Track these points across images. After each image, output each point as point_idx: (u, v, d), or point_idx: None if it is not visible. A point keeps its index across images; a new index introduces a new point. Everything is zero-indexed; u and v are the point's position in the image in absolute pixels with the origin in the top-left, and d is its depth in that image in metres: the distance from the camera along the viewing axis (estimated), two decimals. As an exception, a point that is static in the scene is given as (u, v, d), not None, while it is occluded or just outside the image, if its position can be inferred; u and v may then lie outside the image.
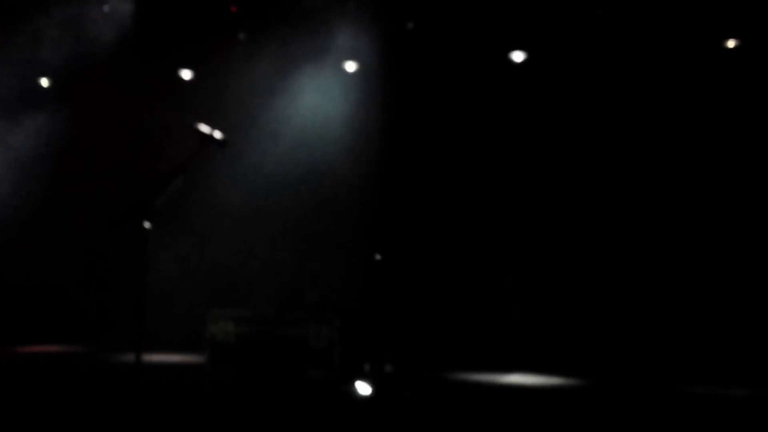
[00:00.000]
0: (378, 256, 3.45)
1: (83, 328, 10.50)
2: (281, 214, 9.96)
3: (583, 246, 9.45)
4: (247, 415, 6.06)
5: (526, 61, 9.61)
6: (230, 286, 9.69)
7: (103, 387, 7.30)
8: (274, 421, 5.90)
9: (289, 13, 9.50)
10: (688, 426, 6.14)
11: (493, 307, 9.57)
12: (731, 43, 8.81)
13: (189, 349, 8.64)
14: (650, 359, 8.68)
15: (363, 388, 6.23)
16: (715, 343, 8.53)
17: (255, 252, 10.00)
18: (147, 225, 3.57)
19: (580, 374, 8.43)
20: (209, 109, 9.16)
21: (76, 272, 10.59)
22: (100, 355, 9.64)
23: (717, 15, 8.57)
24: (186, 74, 10.28)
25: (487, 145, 9.81)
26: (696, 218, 9.02)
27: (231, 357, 7.08)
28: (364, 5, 9.41)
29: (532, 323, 9.37)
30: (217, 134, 4.08)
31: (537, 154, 9.71)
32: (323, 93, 9.66)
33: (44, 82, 10.47)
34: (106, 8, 9.37)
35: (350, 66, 9.87)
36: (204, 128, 4.06)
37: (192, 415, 5.96)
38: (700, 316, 8.75)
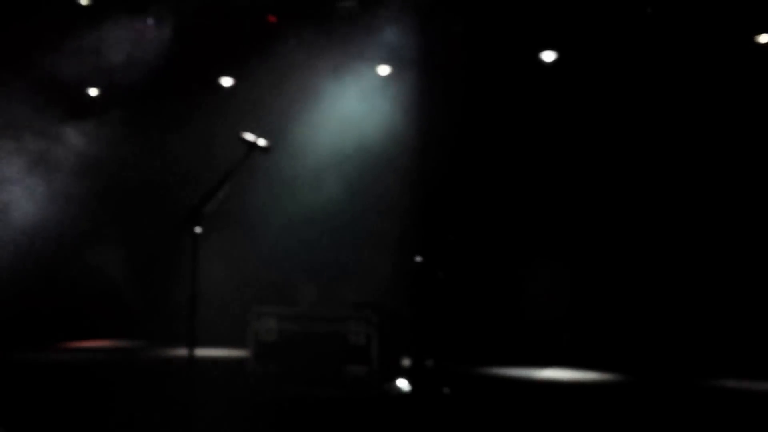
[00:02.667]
0: (418, 258, 3.61)
1: (141, 325, 11.06)
2: (323, 216, 10.19)
3: (614, 243, 9.52)
4: (289, 410, 6.31)
5: (557, 61, 9.71)
6: (274, 285, 9.98)
7: (154, 378, 7.69)
8: (314, 416, 6.13)
9: (326, 20, 9.70)
10: (720, 420, 6.19)
11: (529, 304, 9.68)
12: (765, 38, 8.77)
13: (235, 345, 8.99)
14: (683, 353, 8.72)
15: (402, 384, 6.36)
16: (746, 337, 8.55)
17: (298, 252, 10.27)
18: (198, 230, 3.82)
19: (615, 369, 8.51)
20: (250, 116, 9.47)
21: (135, 274, 11.14)
22: (154, 350, 10.12)
23: (748, 11, 8.56)
24: (226, 82, 10.60)
25: (523, 146, 9.93)
26: (725, 215, 9.04)
27: (273, 352, 7.28)
28: (398, 10, 9.56)
29: (566, 319, 9.48)
30: (262, 141, 4.26)
31: (570, 154, 9.80)
32: (360, 97, 9.83)
33: (93, 92, 10.91)
34: (149, 20, 9.71)
35: (384, 70, 10.05)
36: (249, 136, 4.25)
37: (236, 408, 6.22)
38: (729, 311, 8.77)
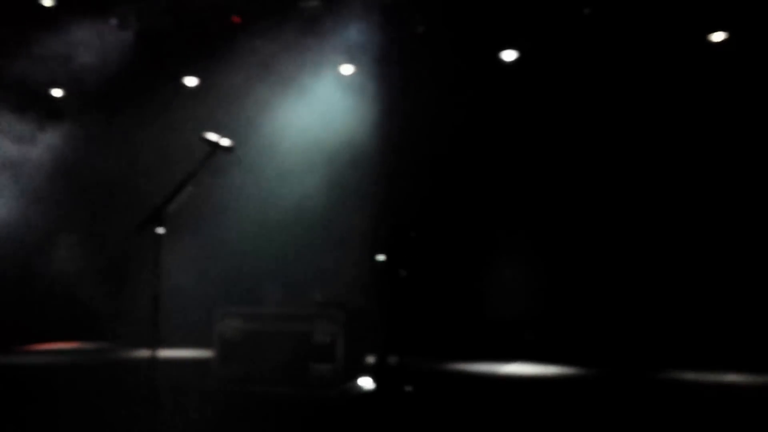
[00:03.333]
0: (381, 257, 3.65)
1: (106, 327, 10.97)
2: (287, 215, 10.20)
3: (576, 241, 9.73)
4: (253, 409, 6.32)
5: (517, 60, 9.87)
6: (238, 285, 9.98)
7: (117, 380, 7.63)
8: (278, 414, 6.15)
9: (290, 20, 9.71)
10: (682, 411, 6.37)
11: (493, 300, 9.83)
12: (717, 37, 9.04)
13: (200, 345, 8.97)
14: (644, 347, 8.95)
15: (366, 383, 6.39)
16: (704, 331, 8.81)
17: (263, 252, 10.27)
18: (160, 230, 3.82)
19: (577, 363, 8.68)
20: (215, 116, 9.45)
21: (96, 276, 11.02)
22: (118, 351, 10.04)
23: (702, 9, 8.81)
24: (191, 81, 10.55)
25: (485, 144, 10.07)
26: (682, 213, 9.30)
27: (238, 352, 7.29)
28: (361, 10, 9.61)
29: (528, 315, 9.65)
30: (225, 141, 4.27)
31: (530, 153, 9.98)
32: (325, 97, 9.87)
33: (56, 92, 10.77)
34: (112, 21, 9.61)
35: (348, 69, 10.11)
36: (212, 136, 4.26)
37: (201, 408, 6.22)
38: (688, 306, 9.03)
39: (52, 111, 10.56)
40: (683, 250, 9.23)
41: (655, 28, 8.98)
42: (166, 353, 9.22)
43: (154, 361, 4.04)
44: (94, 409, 6.00)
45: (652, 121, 9.41)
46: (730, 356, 8.36)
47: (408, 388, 3.56)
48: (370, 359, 7.20)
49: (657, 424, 5.72)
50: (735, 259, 8.99)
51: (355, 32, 9.63)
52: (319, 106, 9.91)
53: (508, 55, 9.91)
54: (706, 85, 9.08)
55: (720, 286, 8.97)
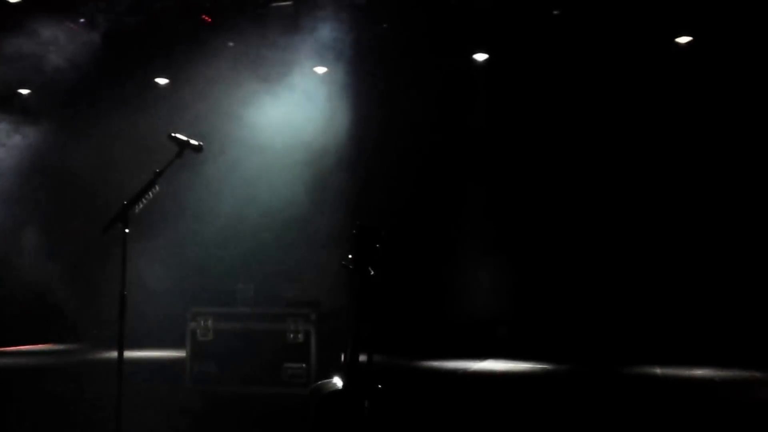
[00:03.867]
0: (350, 256, 3.67)
1: (76, 329, 10.86)
2: (259, 215, 10.19)
3: (547, 241, 9.86)
4: (227, 409, 6.32)
5: (488, 61, 9.98)
6: (212, 285, 9.93)
7: (85, 381, 7.57)
8: (253, 414, 6.16)
9: (261, 20, 9.70)
10: (651, 404, 6.49)
11: (467, 298, 9.92)
12: (682, 40, 9.22)
13: (172, 346, 8.93)
14: (612, 343, 9.10)
15: (337, 381, 6.41)
16: (673, 327, 8.99)
17: (235, 252, 10.25)
18: (127, 230, 3.80)
19: (549, 359, 8.79)
20: (186, 115, 9.40)
21: (65, 276, 10.90)
22: (87, 353, 9.94)
23: (668, 13, 8.98)
24: (162, 81, 10.49)
25: (455, 144, 10.15)
26: (647, 212, 9.47)
27: (210, 352, 7.27)
28: (334, 11, 9.63)
29: (501, 312, 9.75)
30: (194, 141, 4.23)
31: (500, 152, 10.10)
32: (296, 96, 9.87)
33: (23, 91, 10.64)
34: (81, 20, 9.52)
35: (320, 68, 10.13)
36: (180, 136, 4.21)
37: (172, 408, 6.20)
38: (657, 302, 9.20)
39: (20, 110, 10.42)
40: (649, 248, 9.40)
41: (623, 31, 9.13)
42: (137, 354, 9.20)
43: (120, 361, 4.00)
44: (62, 410, 5.95)
45: (621, 118, 9.56)
46: (697, 351, 8.53)
47: (379, 386, 3.57)
48: (342, 358, 7.22)
49: (627, 416, 5.82)
50: (701, 256, 9.18)
51: (327, 32, 9.64)
52: (292, 105, 9.90)
53: (480, 56, 10.01)
54: (672, 83, 9.25)
55: (687, 284, 9.15)
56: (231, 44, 9.83)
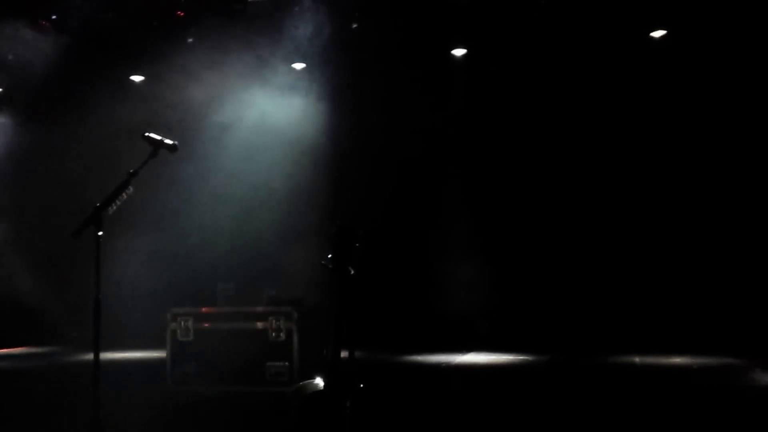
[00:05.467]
0: (329, 255, 3.65)
1: (55, 331, 10.73)
2: (239, 214, 10.14)
3: (523, 231, 9.92)
4: (210, 409, 6.29)
5: (467, 56, 9.98)
6: (191, 285, 9.87)
7: (65, 384, 7.50)
8: (236, 414, 6.13)
9: (236, 16, 9.63)
10: (631, 392, 6.56)
11: (448, 293, 9.94)
12: (657, 34, 9.29)
13: (153, 347, 8.86)
14: (592, 333, 9.19)
15: (318, 381, 6.40)
16: (650, 316, 9.09)
17: (216, 251, 10.19)
18: (100, 233, 3.74)
19: (530, 351, 8.85)
20: (160, 114, 9.31)
21: (41, 279, 10.76)
22: (66, 355, 9.85)
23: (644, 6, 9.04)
24: (136, 79, 10.38)
25: (435, 140, 10.16)
26: (627, 202, 9.56)
27: (191, 352, 7.22)
28: (310, 7, 9.58)
29: (482, 306, 9.80)
30: (168, 140, 4.16)
31: (480, 148, 10.13)
32: (273, 93, 9.82)
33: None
34: (53, 17, 9.39)
35: (297, 65, 10.09)
36: (154, 135, 4.14)
37: (153, 409, 6.16)
38: (634, 293, 9.30)
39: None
40: (626, 240, 9.48)
41: (601, 24, 9.18)
42: (118, 355, 9.12)
43: (96, 363, 3.95)
44: (41, 413, 5.89)
45: (598, 112, 9.62)
46: (675, 340, 8.64)
47: (361, 384, 3.57)
48: (324, 356, 7.23)
49: (608, 404, 5.88)
50: (677, 245, 9.28)
51: (304, 28, 9.60)
52: (268, 103, 9.85)
53: (458, 51, 10.02)
54: (650, 75, 9.32)
55: (664, 273, 9.25)
56: (206, 41, 9.73)
